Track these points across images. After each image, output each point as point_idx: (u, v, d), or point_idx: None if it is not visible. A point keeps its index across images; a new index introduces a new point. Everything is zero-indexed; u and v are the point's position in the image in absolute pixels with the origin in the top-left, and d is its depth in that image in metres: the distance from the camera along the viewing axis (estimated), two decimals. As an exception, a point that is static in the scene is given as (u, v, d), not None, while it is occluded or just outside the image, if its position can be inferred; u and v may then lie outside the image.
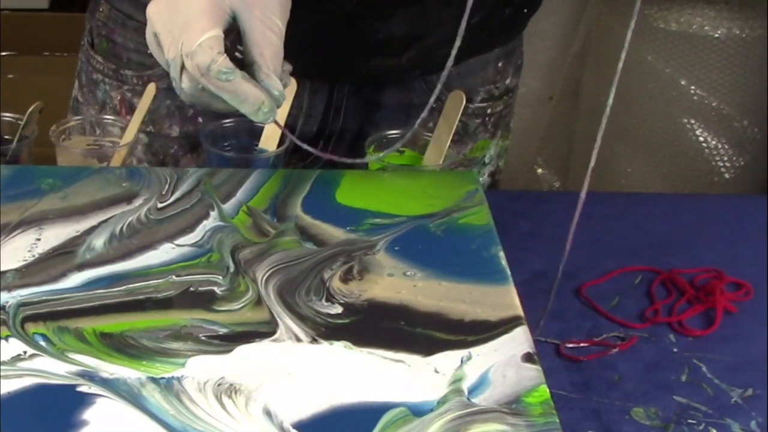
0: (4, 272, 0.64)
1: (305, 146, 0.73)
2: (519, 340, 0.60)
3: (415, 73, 0.94)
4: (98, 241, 0.68)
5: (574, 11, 1.77)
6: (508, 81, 1.01)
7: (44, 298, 0.62)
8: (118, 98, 0.97)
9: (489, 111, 1.00)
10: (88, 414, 0.53)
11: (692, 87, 1.57)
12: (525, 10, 0.94)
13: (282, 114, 0.86)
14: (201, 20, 0.65)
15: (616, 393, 0.71)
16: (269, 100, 0.66)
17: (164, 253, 0.67)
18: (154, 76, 0.94)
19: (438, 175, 0.82)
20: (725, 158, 1.63)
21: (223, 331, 0.60)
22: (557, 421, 0.54)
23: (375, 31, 0.86)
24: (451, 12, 0.87)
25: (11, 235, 0.68)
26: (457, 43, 0.69)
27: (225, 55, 0.64)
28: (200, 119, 0.95)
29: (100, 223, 0.70)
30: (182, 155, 0.97)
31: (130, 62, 0.95)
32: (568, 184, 1.82)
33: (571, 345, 0.76)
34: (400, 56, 0.89)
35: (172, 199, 0.74)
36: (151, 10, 0.67)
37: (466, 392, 0.56)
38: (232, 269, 0.66)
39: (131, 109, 0.95)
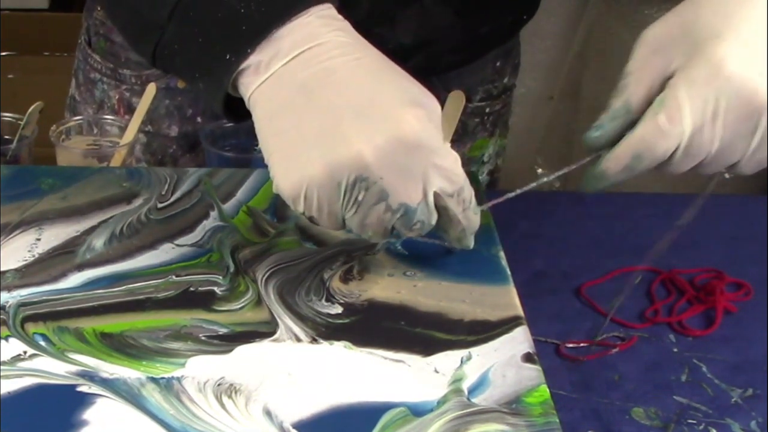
0: (4, 272, 0.64)
1: None
2: (519, 340, 0.60)
3: (418, 77, 0.94)
4: (98, 241, 0.68)
5: (574, 11, 1.77)
6: (506, 80, 1.01)
7: (44, 298, 0.62)
8: (117, 97, 0.97)
9: (488, 110, 1.00)
10: (88, 414, 0.53)
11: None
12: (525, 17, 0.94)
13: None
14: (451, 157, 0.60)
15: (616, 393, 0.71)
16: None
17: (164, 253, 0.67)
18: (152, 76, 0.94)
19: (438, 175, 0.82)
20: (725, 158, 1.62)
21: (223, 331, 0.60)
22: (557, 421, 0.54)
23: (384, 40, 0.86)
24: (459, 21, 0.87)
25: (11, 235, 0.68)
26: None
27: None
28: (199, 119, 0.95)
29: (100, 223, 0.70)
30: (181, 155, 0.97)
31: (129, 61, 0.95)
32: (568, 184, 1.82)
33: (571, 345, 0.76)
34: (405, 62, 0.90)
35: (172, 199, 0.74)
36: (366, 155, 0.57)
37: (466, 392, 0.56)
38: (232, 269, 0.66)
39: (129, 109, 0.95)
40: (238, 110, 0.63)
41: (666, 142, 0.60)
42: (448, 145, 0.60)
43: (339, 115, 0.57)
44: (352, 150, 0.57)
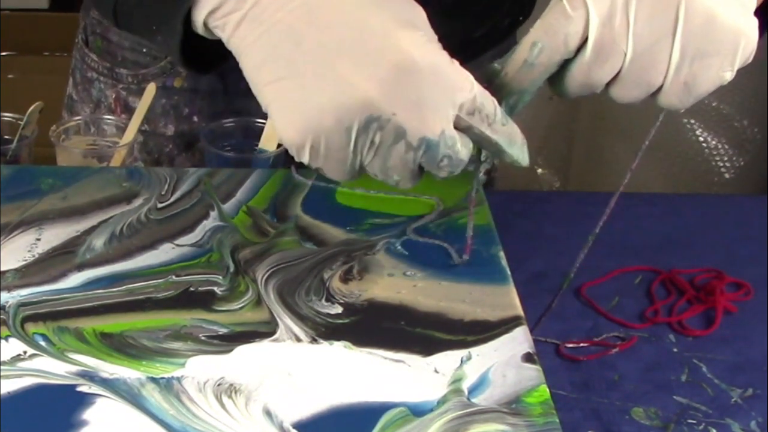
0: (4, 272, 0.64)
1: None
2: (519, 340, 0.60)
3: None
4: (98, 241, 0.68)
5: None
6: None
7: (44, 298, 0.62)
8: (113, 97, 0.97)
9: None
10: (88, 414, 0.53)
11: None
12: (521, 18, 0.94)
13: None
14: (461, 73, 0.55)
15: (616, 393, 0.71)
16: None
17: (164, 253, 0.67)
18: (149, 75, 0.94)
19: (438, 175, 0.82)
20: (725, 158, 1.63)
21: (223, 331, 0.60)
22: (557, 421, 0.54)
23: None
24: (454, 25, 0.87)
25: (11, 235, 0.68)
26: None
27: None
28: (195, 118, 0.95)
29: (100, 223, 0.70)
30: (177, 154, 0.97)
31: (126, 61, 0.95)
32: (568, 184, 1.82)
33: (571, 345, 0.76)
34: None
35: (172, 199, 0.74)
36: (373, 93, 0.53)
37: (466, 392, 0.56)
38: (232, 269, 0.66)
39: (126, 108, 0.95)
40: (200, 63, 0.60)
41: (566, 25, 0.55)
42: (456, 62, 0.55)
43: (332, 54, 0.53)
44: (357, 90, 0.53)
